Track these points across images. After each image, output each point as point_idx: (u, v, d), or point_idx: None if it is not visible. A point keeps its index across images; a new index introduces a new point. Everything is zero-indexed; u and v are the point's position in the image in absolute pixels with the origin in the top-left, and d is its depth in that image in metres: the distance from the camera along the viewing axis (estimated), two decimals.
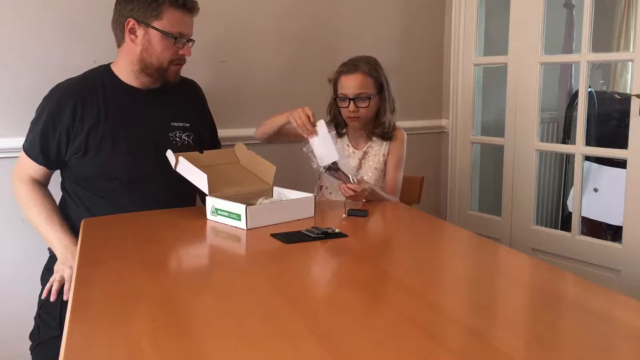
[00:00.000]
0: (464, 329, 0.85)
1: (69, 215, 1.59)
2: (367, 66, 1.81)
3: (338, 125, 1.92)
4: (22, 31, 1.77)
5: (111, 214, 1.51)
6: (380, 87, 1.83)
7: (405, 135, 1.91)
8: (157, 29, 1.53)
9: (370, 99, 1.79)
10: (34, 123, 1.57)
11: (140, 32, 1.54)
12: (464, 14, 2.53)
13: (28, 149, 1.57)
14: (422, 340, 0.80)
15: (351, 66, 1.81)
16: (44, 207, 1.55)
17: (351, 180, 1.57)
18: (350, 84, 1.79)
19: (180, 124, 1.66)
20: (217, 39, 1.75)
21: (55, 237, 1.52)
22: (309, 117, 1.64)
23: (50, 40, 1.81)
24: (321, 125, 1.63)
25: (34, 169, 1.57)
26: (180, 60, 1.61)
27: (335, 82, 1.85)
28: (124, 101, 1.59)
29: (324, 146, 1.61)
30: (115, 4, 1.59)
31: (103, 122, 1.54)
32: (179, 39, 1.56)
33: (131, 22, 1.54)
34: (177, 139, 1.66)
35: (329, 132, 1.63)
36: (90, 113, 1.54)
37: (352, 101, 1.78)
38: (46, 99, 1.57)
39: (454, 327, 0.86)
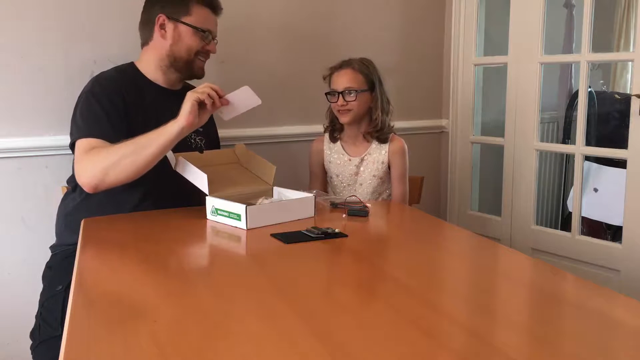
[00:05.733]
0: (464, 329, 0.85)
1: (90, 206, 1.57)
2: (358, 63, 1.87)
3: (335, 130, 1.94)
4: (22, 31, 1.77)
5: (125, 206, 1.54)
6: (372, 85, 1.86)
7: (406, 147, 1.92)
8: (187, 24, 1.61)
9: (357, 92, 1.81)
10: (83, 114, 1.53)
11: (169, 27, 1.62)
12: (464, 14, 2.53)
13: (91, 132, 1.48)
14: (422, 340, 0.80)
15: (343, 63, 1.88)
16: (127, 142, 1.43)
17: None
18: (339, 79, 1.85)
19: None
20: (217, 37, 1.76)
21: (159, 129, 1.41)
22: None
23: (50, 40, 1.81)
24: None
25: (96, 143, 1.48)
26: (205, 56, 1.68)
27: (329, 81, 1.90)
28: (148, 98, 1.62)
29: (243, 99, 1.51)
30: (144, 5, 1.67)
31: (132, 116, 1.56)
32: (207, 34, 1.64)
33: (162, 18, 1.61)
34: (192, 140, 1.70)
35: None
36: (124, 104, 1.56)
37: (340, 95, 1.82)
38: (89, 91, 1.57)
39: (454, 327, 0.86)
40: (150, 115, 1.57)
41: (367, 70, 1.86)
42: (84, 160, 1.47)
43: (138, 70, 1.67)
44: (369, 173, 1.89)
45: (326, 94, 1.89)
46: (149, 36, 1.65)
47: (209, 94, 1.42)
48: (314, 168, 1.99)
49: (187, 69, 1.66)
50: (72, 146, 1.55)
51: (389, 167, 1.90)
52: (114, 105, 1.55)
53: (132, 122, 1.55)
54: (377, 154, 1.89)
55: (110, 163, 1.41)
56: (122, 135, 1.46)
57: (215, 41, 1.70)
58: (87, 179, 1.44)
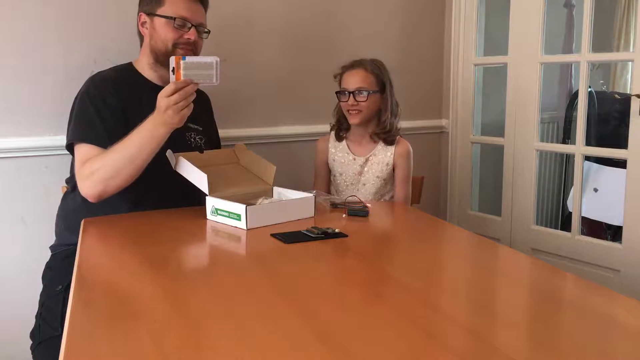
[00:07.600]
0: (464, 329, 0.85)
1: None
2: (371, 64, 1.86)
3: (341, 129, 1.93)
4: (22, 31, 1.77)
5: (124, 205, 1.53)
6: (383, 87, 1.86)
7: (411, 149, 1.92)
8: (159, 15, 1.60)
9: (369, 93, 1.81)
10: (77, 116, 1.55)
11: (148, 22, 1.63)
12: (464, 14, 2.53)
13: (85, 136, 1.51)
14: (422, 340, 0.80)
15: (355, 63, 1.87)
16: (113, 147, 1.45)
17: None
18: (351, 79, 1.84)
19: (195, 127, 1.70)
20: (217, 37, 1.75)
21: (138, 129, 1.43)
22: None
23: (51, 40, 1.81)
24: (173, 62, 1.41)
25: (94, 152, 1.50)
26: (186, 45, 1.61)
27: (340, 80, 1.89)
28: (144, 96, 1.61)
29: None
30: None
31: (129, 114, 1.56)
32: (178, 21, 1.59)
33: (142, 16, 1.63)
34: (192, 139, 1.69)
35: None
36: (120, 105, 1.56)
37: (351, 95, 1.82)
38: (84, 92, 1.58)
39: (454, 327, 0.86)
40: (147, 114, 1.56)
41: (378, 72, 1.85)
42: (82, 173, 1.48)
43: (135, 69, 1.67)
44: (373, 174, 1.88)
45: (337, 92, 1.88)
46: (140, 36, 1.67)
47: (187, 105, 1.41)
48: (318, 167, 1.99)
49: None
50: (67, 147, 1.57)
51: (393, 169, 1.90)
52: (109, 106, 1.54)
53: (129, 120, 1.54)
54: (383, 155, 1.88)
55: (108, 175, 1.44)
56: (118, 137, 1.47)
57: (207, 31, 1.66)
58: (90, 192, 1.47)
